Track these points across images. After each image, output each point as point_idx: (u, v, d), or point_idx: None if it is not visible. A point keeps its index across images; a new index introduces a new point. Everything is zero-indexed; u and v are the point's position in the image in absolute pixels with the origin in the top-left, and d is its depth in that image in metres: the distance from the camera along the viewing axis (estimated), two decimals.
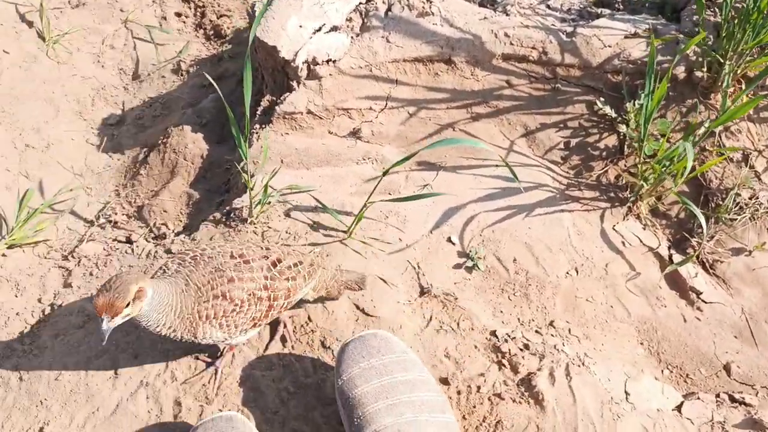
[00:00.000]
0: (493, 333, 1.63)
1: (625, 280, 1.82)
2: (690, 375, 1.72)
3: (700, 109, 2.02)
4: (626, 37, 2.07)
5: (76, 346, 1.54)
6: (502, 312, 1.72)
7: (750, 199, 1.93)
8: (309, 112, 2.04)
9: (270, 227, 1.77)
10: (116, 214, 2.02)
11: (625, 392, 1.56)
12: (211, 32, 2.67)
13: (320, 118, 2.06)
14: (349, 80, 2.07)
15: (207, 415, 1.39)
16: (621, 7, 2.29)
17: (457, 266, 1.78)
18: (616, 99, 2.06)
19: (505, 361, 1.56)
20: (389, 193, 1.90)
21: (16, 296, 1.68)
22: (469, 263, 1.77)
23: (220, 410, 1.43)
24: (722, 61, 1.97)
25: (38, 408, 1.44)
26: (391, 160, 1.98)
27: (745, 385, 1.69)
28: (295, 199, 1.85)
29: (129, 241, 1.87)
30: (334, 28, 2.08)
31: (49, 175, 2.11)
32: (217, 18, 2.69)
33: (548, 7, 2.21)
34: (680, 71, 2.02)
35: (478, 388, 1.51)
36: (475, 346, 1.60)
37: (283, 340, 1.54)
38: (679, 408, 1.56)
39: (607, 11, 2.21)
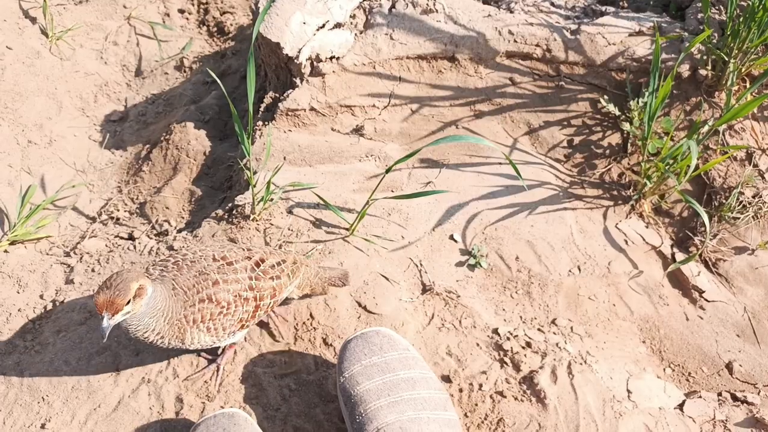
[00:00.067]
0: (495, 331, 1.63)
1: (627, 278, 1.82)
2: (692, 373, 1.71)
3: (704, 107, 2.01)
4: (630, 35, 2.06)
5: (77, 343, 1.54)
6: (504, 310, 1.72)
7: (753, 197, 1.92)
8: (312, 109, 2.04)
9: (272, 224, 1.76)
10: (118, 210, 2.02)
11: (627, 390, 1.56)
12: (214, 29, 2.67)
13: (323, 115, 2.05)
14: (353, 77, 2.07)
15: (209, 412, 1.39)
16: (625, 4, 2.28)
17: (460, 264, 1.78)
18: (620, 97, 2.05)
19: (507, 359, 1.56)
20: (392, 191, 1.90)
21: (18, 292, 1.68)
22: (472, 261, 1.77)
23: (222, 407, 1.43)
24: (727, 59, 1.96)
25: (40, 404, 1.44)
26: (394, 158, 1.98)
27: (747, 384, 1.69)
28: (297, 196, 1.85)
29: (131, 237, 1.87)
30: (338, 25, 2.08)
31: (51, 171, 2.11)
32: (220, 15, 2.69)
33: (552, 4, 2.20)
34: (684, 69, 2.02)
35: (480, 385, 1.51)
36: (477, 344, 1.59)
37: (272, 336, 1.54)
38: (681, 406, 1.56)
39: (611, 9, 2.20)
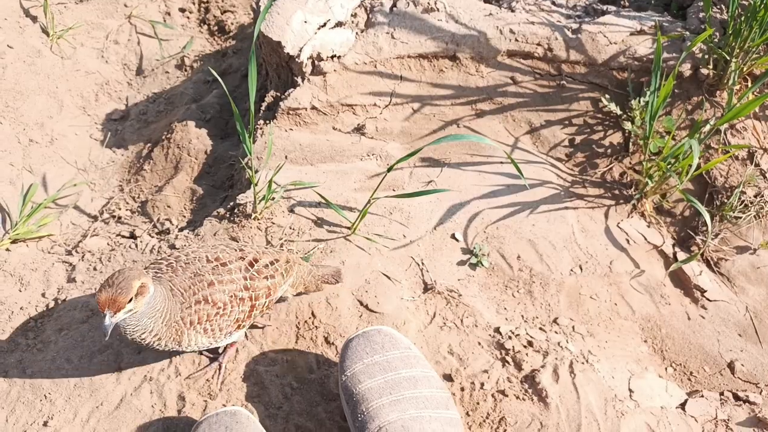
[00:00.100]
0: (497, 330, 1.63)
1: (629, 277, 1.82)
2: (694, 373, 1.71)
3: (706, 106, 2.01)
4: (632, 34, 2.06)
5: (80, 341, 1.54)
6: (506, 309, 1.72)
7: (755, 197, 1.92)
8: (313, 107, 2.04)
9: (274, 223, 1.76)
10: (120, 209, 2.02)
11: (629, 390, 1.56)
12: (215, 28, 2.67)
13: (324, 114, 2.05)
14: (354, 76, 2.07)
15: (211, 410, 1.39)
16: (627, 3, 2.28)
17: (461, 263, 1.78)
18: (622, 96, 2.05)
19: (508, 358, 1.56)
20: (393, 190, 1.90)
21: (20, 290, 1.68)
22: (473, 260, 1.77)
23: (224, 405, 1.43)
24: (728, 58, 1.96)
25: (42, 402, 1.44)
26: (396, 157, 1.98)
27: (749, 384, 1.69)
28: (299, 195, 1.85)
29: (133, 236, 1.87)
30: (339, 24, 2.08)
31: (52, 169, 2.11)
32: (221, 14, 2.69)
33: (553, 3, 2.20)
34: (686, 68, 2.02)
35: (482, 384, 1.51)
36: (479, 343, 1.59)
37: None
38: (683, 406, 1.56)
39: (612, 8, 2.20)
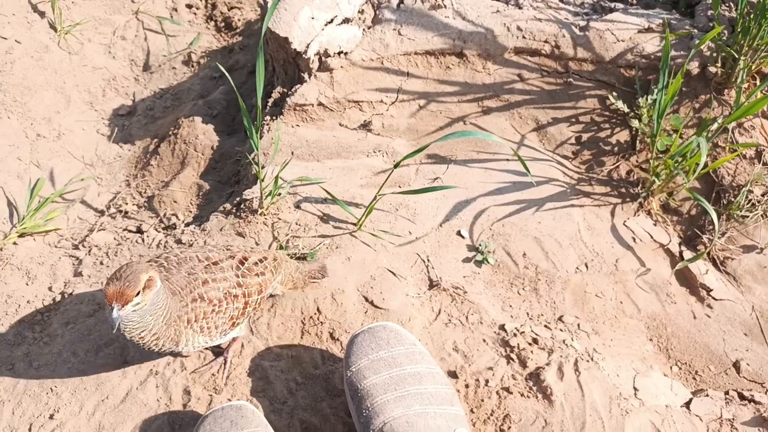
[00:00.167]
0: (502, 327, 1.63)
1: (635, 276, 1.81)
2: (699, 372, 1.71)
3: (714, 104, 2.00)
4: (640, 31, 2.05)
5: (86, 334, 1.55)
6: (511, 306, 1.72)
7: (762, 196, 1.91)
8: (320, 104, 2.04)
9: (280, 219, 1.77)
10: (126, 204, 2.03)
11: (634, 388, 1.55)
12: (222, 24, 2.67)
13: (331, 110, 2.05)
14: (361, 72, 2.07)
15: (216, 405, 1.40)
16: (634, 1, 2.27)
17: (467, 260, 1.78)
18: (629, 94, 2.05)
19: (513, 356, 1.56)
20: (399, 186, 1.90)
21: (27, 284, 1.69)
22: (479, 257, 1.77)
23: (230, 400, 1.44)
24: (737, 56, 1.95)
25: (48, 395, 1.45)
26: (402, 153, 1.98)
27: (755, 383, 1.68)
28: (305, 191, 1.85)
29: (139, 231, 1.88)
30: (346, 20, 2.08)
31: (60, 164, 2.12)
32: (228, 10, 2.69)
33: (561, 0, 2.20)
34: (694, 66, 2.01)
35: (487, 381, 1.51)
36: (484, 340, 1.59)
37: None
38: (687, 405, 1.56)
39: (620, 5, 2.19)
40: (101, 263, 1.74)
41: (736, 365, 1.71)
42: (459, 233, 1.82)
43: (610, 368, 1.58)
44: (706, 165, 1.84)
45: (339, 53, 2.04)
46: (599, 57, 2.05)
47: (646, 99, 1.96)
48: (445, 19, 2.08)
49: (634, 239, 1.87)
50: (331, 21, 2.04)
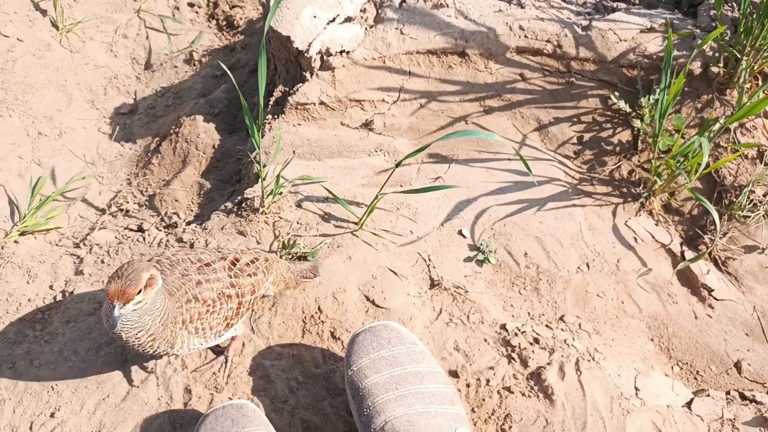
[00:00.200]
0: (503, 326, 1.62)
1: (636, 276, 1.81)
2: (700, 372, 1.71)
3: (716, 105, 2.00)
4: (642, 31, 2.05)
5: (87, 333, 1.55)
6: (512, 306, 1.71)
7: (764, 196, 1.91)
8: (321, 103, 2.04)
9: (281, 217, 1.77)
10: (128, 202, 2.03)
11: (635, 388, 1.55)
12: (224, 23, 2.67)
13: (333, 109, 2.05)
14: (362, 71, 2.07)
15: (217, 403, 1.40)
16: (637, 1, 2.27)
17: (468, 259, 1.77)
18: (631, 94, 2.04)
19: (514, 355, 1.56)
20: (401, 185, 1.90)
21: (28, 282, 1.69)
22: (480, 256, 1.77)
23: (230, 398, 1.44)
24: (739, 56, 1.95)
25: (49, 393, 1.45)
26: (403, 152, 1.98)
27: (756, 383, 1.68)
28: (306, 190, 1.85)
29: (140, 229, 1.88)
30: (348, 19, 2.07)
31: (61, 163, 2.12)
32: (230, 8, 2.69)
33: (563, 0, 2.19)
34: (696, 66, 2.01)
35: (488, 381, 1.51)
36: (485, 340, 1.59)
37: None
38: (689, 405, 1.56)
39: (622, 5, 2.19)
40: (102, 262, 1.74)
41: (738, 365, 1.71)
42: (460, 233, 1.82)
43: (612, 368, 1.57)
44: (707, 165, 1.84)
45: (341, 52, 2.04)
46: (601, 57, 2.05)
47: (648, 99, 1.95)
48: (447, 18, 2.08)
49: (635, 239, 1.87)
50: (333, 20, 2.04)
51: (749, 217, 1.89)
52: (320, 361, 1.52)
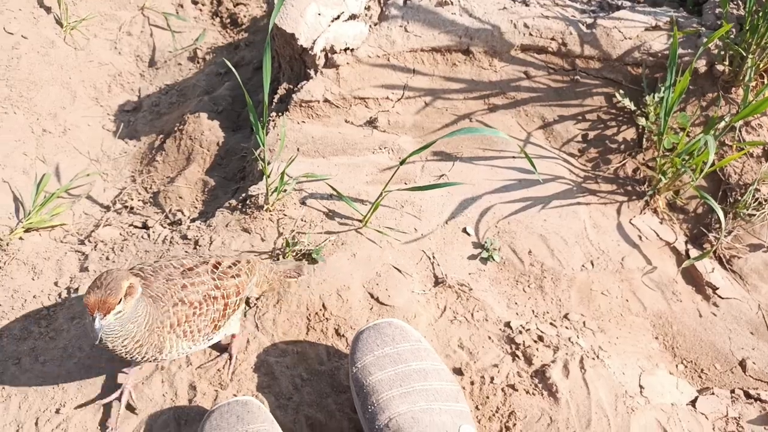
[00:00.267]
0: (508, 324, 1.62)
1: (641, 274, 1.81)
2: (705, 370, 1.70)
3: (721, 103, 1.99)
4: (647, 29, 2.04)
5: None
6: (516, 303, 1.71)
7: None
8: (326, 100, 2.04)
9: (286, 215, 1.77)
10: (132, 199, 2.03)
11: (640, 386, 1.55)
12: (228, 20, 2.67)
13: (337, 106, 2.05)
14: (367, 69, 2.06)
15: (222, 400, 1.40)
16: None
17: (472, 257, 1.77)
18: (636, 92, 2.04)
19: (519, 353, 1.56)
20: (405, 183, 1.90)
21: (33, 279, 1.70)
22: (484, 254, 1.77)
23: (235, 395, 1.44)
24: (745, 54, 1.94)
25: (54, 389, 1.45)
26: (408, 150, 1.98)
27: (761, 382, 1.68)
28: (310, 188, 1.85)
29: (145, 226, 1.88)
30: (353, 17, 2.07)
31: (65, 160, 2.12)
32: (234, 6, 2.69)
33: None
34: (701, 64, 2.00)
35: (492, 378, 1.51)
36: (489, 337, 1.59)
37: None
38: (693, 403, 1.56)
39: (627, 3, 2.19)
40: (107, 259, 1.74)
41: (742, 364, 1.71)
42: (465, 230, 1.81)
43: (616, 366, 1.57)
44: (713, 163, 1.84)
45: (345, 50, 2.04)
46: (606, 54, 2.04)
47: (653, 97, 1.95)
48: (451, 15, 2.07)
49: (640, 237, 1.87)
50: (338, 17, 2.04)
51: (754, 215, 1.89)
52: (324, 358, 1.52)
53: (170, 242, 1.76)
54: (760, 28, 1.90)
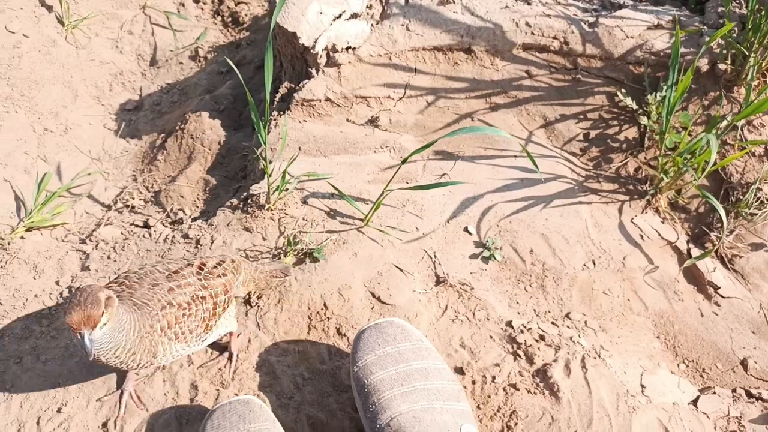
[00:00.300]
0: (509, 323, 1.62)
1: (642, 273, 1.81)
2: (706, 369, 1.70)
3: (723, 102, 1.99)
4: (649, 28, 2.04)
5: None
6: (518, 303, 1.71)
7: None
8: (327, 99, 2.03)
9: (287, 214, 1.77)
10: (133, 198, 2.03)
11: (641, 385, 1.55)
12: (229, 19, 2.67)
13: (338, 105, 2.05)
14: (368, 68, 2.06)
15: (223, 399, 1.40)
16: None
17: (474, 256, 1.77)
18: (638, 91, 2.04)
19: (520, 352, 1.56)
20: (407, 182, 1.90)
21: (35, 278, 1.70)
22: (486, 253, 1.77)
23: (237, 394, 1.44)
24: (747, 53, 1.94)
25: (56, 389, 1.45)
26: (409, 149, 1.98)
27: (762, 381, 1.68)
28: (312, 187, 1.85)
29: (146, 225, 1.88)
30: (354, 15, 2.07)
31: (67, 159, 2.12)
32: (235, 5, 2.69)
33: None
34: (703, 63, 2.00)
35: (493, 378, 1.51)
36: (491, 336, 1.59)
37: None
38: (695, 402, 1.55)
39: (629, 2, 2.18)
40: (108, 257, 1.74)
41: (744, 363, 1.71)
42: (466, 229, 1.81)
43: (618, 365, 1.57)
44: (715, 162, 1.84)
45: (347, 48, 2.04)
46: (608, 53, 2.04)
47: (655, 96, 1.95)
48: (453, 14, 2.07)
49: (641, 236, 1.87)
50: (340, 16, 2.04)
51: (756, 214, 1.89)
52: (326, 357, 1.52)
53: (171, 241, 1.76)
54: (762, 26, 1.89)
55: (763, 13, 1.88)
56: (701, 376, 1.69)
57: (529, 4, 2.12)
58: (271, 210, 1.77)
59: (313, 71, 2.05)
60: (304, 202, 1.81)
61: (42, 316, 1.60)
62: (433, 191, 1.86)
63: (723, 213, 1.73)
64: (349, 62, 2.04)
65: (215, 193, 2.03)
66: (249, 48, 2.54)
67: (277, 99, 2.13)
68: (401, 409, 1.29)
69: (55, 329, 1.57)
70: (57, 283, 1.69)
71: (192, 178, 2.06)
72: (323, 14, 2.01)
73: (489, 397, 1.48)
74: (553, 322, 1.67)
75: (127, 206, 2.00)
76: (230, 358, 1.50)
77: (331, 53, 2.03)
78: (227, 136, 2.15)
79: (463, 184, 1.87)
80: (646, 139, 2.00)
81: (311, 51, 2.01)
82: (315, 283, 1.62)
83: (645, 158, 2.00)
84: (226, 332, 1.47)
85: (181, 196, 2.02)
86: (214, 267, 1.44)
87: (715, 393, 1.59)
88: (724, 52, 1.98)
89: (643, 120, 1.97)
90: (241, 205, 1.80)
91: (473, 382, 1.50)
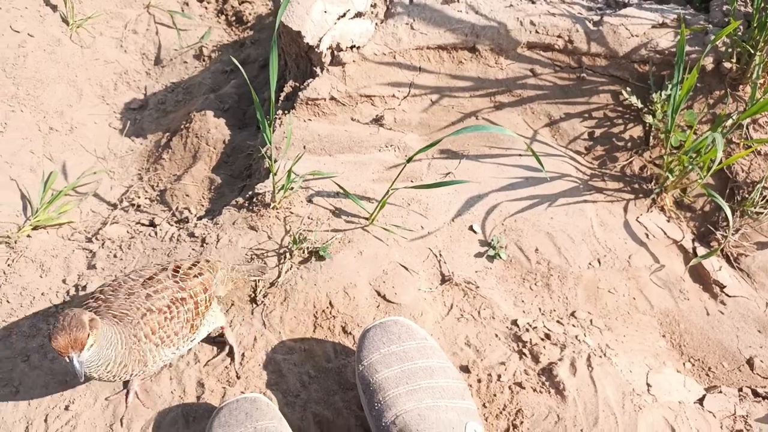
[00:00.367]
0: (514, 322, 1.62)
1: (648, 272, 1.80)
2: (712, 368, 1.70)
3: (728, 100, 1.99)
4: (654, 26, 2.04)
5: None
6: (523, 301, 1.71)
7: None
8: (332, 98, 2.04)
9: (292, 212, 1.77)
10: (139, 197, 2.04)
11: (647, 384, 1.55)
12: (233, 18, 2.68)
13: (343, 104, 2.05)
14: (373, 67, 2.06)
15: (230, 397, 1.40)
16: None
17: (479, 255, 1.77)
18: (643, 89, 2.03)
19: (526, 351, 1.56)
20: (411, 181, 1.90)
21: (41, 276, 1.70)
22: (491, 252, 1.77)
23: (243, 392, 1.44)
24: (752, 52, 1.93)
25: (63, 386, 1.46)
26: (414, 148, 1.98)
27: None
28: (317, 185, 1.85)
29: (152, 224, 1.89)
30: (359, 14, 2.07)
31: (72, 158, 2.13)
32: (239, 4, 2.69)
33: None
34: (708, 62, 1.99)
35: (499, 376, 1.51)
36: (496, 335, 1.59)
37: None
38: (701, 401, 1.55)
39: (634, 0, 2.18)
40: (115, 256, 1.74)
41: (750, 362, 1.70)
42: (471, 228, 1.81)
43: (623, 364, 1.57)
44: (720, 161, 1.83)
45: (351, 47, 2.04)
46: (613, 52, 2.04)
47: (660, 94, 1.94)
48: (457, 13, 2.07)
49: (647, 235, 1.86)
50: (344, 15, 2.04)
51: (762, 213, 1.88)
52: (332, 355, 1.52)
53: (177, 240, 1.76)
54: (767, 25, 1.89)
55: None
56: (707, 375, 1.69)
57: (533, 2, 2.11)
58: (277, 209, 1.77)
59: (318, 70, 2.05)
60: (310, 200, 1.81)
61: (49, 315, 1.61)
62: (438, 190, 1.86)
63: (729, 212, 1.73)
64: (354, 61, 2.04)
65: (220, 191, 2.03)
66: (253, 47, 2.54)
67: (281, 98, 2.13)
68: (406, 407, 1.30)
69: None
70: (64, 281, 1.69)
71: (197, 176, 2.07)
72: (328, 13, 2.01)
73: (494, 395, 1.48)
74: (558, 321, 1.67)
75: (133, 205, 2.01)
76: (231, 351, 1.50)
77: (335, 52, 2.03)
78: (232, 135, 2.15)
79: (468, 183, 1.87)
80: (651, 137, 2.00)
81: (316, 50, 2.01)
82: (320, 282, 1.62)
83: (650, 157, 2.00)
84: (215, 328, 1.48)
85: (187, 195, 2.02)
86: (190, 268, 1.45)
87: (721, 392, 1.59)
88: (730, 50, 1.98)
89: (648, 119, 1.97)
90: (246, 204, 1.81)
91: (479, 381, 1.50)
